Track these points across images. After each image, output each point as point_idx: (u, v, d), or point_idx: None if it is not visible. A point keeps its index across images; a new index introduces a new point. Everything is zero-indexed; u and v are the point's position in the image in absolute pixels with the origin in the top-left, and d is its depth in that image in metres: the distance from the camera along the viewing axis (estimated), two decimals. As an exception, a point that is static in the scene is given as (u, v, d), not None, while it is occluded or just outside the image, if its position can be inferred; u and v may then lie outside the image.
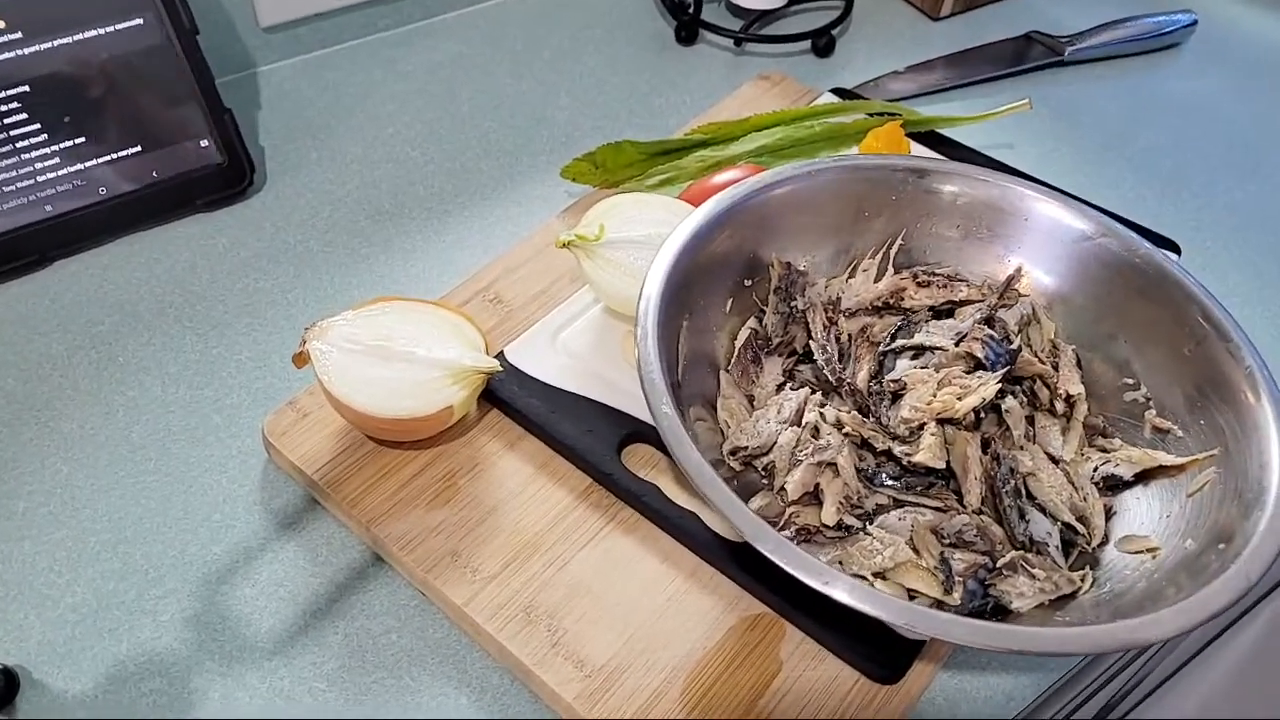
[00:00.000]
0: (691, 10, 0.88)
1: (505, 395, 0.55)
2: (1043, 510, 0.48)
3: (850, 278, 0.58)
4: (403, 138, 0.77)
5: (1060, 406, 0.52)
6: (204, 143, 0.68)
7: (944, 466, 0.48)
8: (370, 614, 0.50)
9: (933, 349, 0.53)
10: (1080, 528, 0.48)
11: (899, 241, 0.58)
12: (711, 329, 0.54)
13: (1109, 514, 0.50)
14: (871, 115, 0.75)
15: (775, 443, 0.50)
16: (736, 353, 0.54)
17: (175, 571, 0.51)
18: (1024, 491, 0.48)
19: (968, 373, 0.50)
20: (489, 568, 0.49)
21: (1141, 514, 0.49)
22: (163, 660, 0.47)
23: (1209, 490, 0.47)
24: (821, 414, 0.50)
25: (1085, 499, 0.49)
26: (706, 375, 0.53)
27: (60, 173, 0.64)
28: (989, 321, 0.55)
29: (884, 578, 0.46)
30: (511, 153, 0.77)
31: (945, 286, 0.57)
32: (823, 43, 0.88)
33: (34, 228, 0.63)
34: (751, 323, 0.55)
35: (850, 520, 0.48)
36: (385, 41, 0.87)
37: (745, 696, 0.46)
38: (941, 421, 0.49)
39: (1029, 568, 0.45)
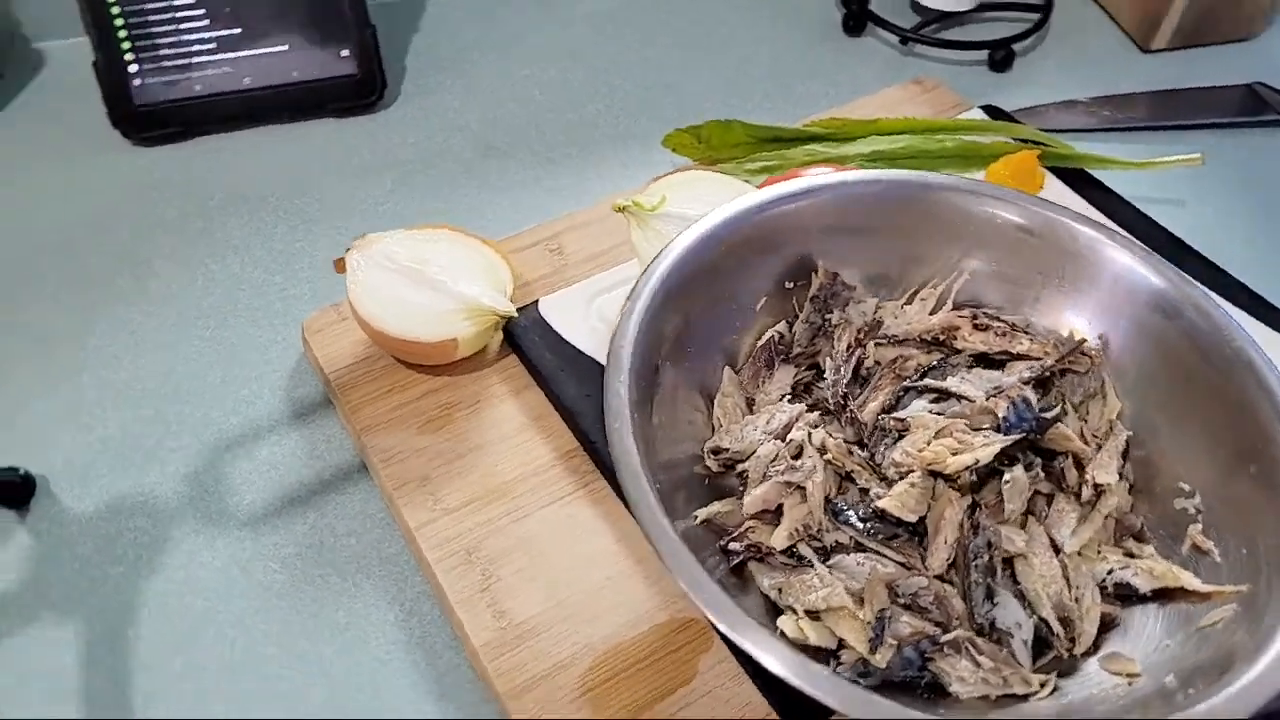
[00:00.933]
0: (858, 5, 0.83)
1: (524, 343, 0.56)
2: (1022, 598, 0.43)
3: (906, 304, 0.54)
4: (535, 81, 0.79)
5: (1086, 493, 0.46)
6: (344, 53, 0.72)
7: (914, 520, 0.44)
8: (340, 515, 0.52)
9: (959, 397, 0.48)
10: (1058, 628, 0.43)
11: (964, 276, 0.53)
12: (735, 323, 0.52)
13: (1110, 624, 0.44)
14: (1016, 140, 0.69)
15: (754, 452, 0.47)
16: (753, 352, 0.52)
17: (193, 431, 0.55)
18: (999, 572, 0.43)
19: (975, 429, 0.45)
20: (451, 501, 0.50)
21: (1143, 633, 0.43)
22: (154, 505, 0.52)
23: (1221, 628, 0.41)
24: (809, 434, 0.47)
25: (1077, 599, 0.43)
26: (717, 368, 0.51)
27: (214, 57, 0.70)
28: (1043, 384, 0.50)
29: (817, 618, 0.43)
30: (632, 114, 0.76)
31: (1004, 335, 0.51)
32: (1000, 56, 0.81)
33: (182, 103, 0.70)
34: (781, 326, 0.53)
35: (805, 551, 0.45)
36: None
37: (645, 696, 0.44)
38: (934, 474, 0.45)
39: (975, 653, 0.41)
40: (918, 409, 0.48)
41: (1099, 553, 0.45)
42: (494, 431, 0.54)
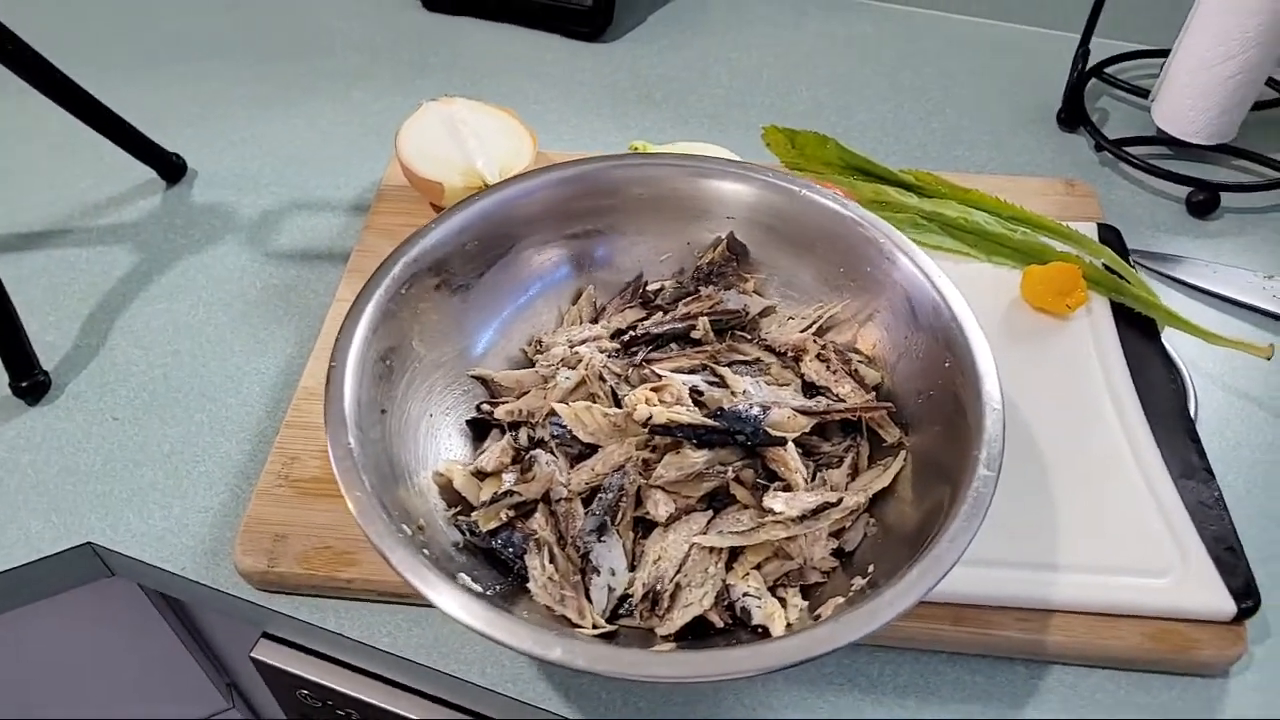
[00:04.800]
0: (1075, 99, 0.78)
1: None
2: (628, 554, 0.45)
3: (791, 318, 0.55)
4: (742, 64, 0.87)
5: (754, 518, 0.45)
6: (585, -16, 0.86)
7: (585, 441, 0.47)
8: (319, 273, 0.67)
9: (726, 386, 0.49)
10: (638, 595, 0.44)
11: (869, 322, 0.53)
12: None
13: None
14: (1095, 264, 0.62)
15: (552, 348, 0.54)
16: (627, 286, 0.57)
17: (313, 171, 0.74)
18: (620, 516, 0.45)
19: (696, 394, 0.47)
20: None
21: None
22: (257, 199, 0.72)
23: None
24: (588, 352, 0.52)
25: (677, 586, 0.44)
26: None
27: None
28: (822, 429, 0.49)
29: (480, 475, 0.49)
30: (789, 120, 0.81)
31: (835, 373, 0.51)
32: (1200, 199, 0.71)
33: (461, -15, 0.90)
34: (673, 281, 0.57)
35: (522, 433, 0.50)
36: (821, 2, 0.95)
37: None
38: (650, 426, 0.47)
39: (547, 559, 0.44)
40: (685, 378, 0.50)
41: (748, 574, 0.45)
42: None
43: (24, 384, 0.59)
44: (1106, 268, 0.62)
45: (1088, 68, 0.80)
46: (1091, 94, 0.83)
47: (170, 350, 0.63)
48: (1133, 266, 0.63)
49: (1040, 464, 0.53)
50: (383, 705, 0.56)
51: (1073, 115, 0.79)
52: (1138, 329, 0.60)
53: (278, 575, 0.50)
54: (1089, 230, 0.66)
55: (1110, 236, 0.66)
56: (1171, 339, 0.60)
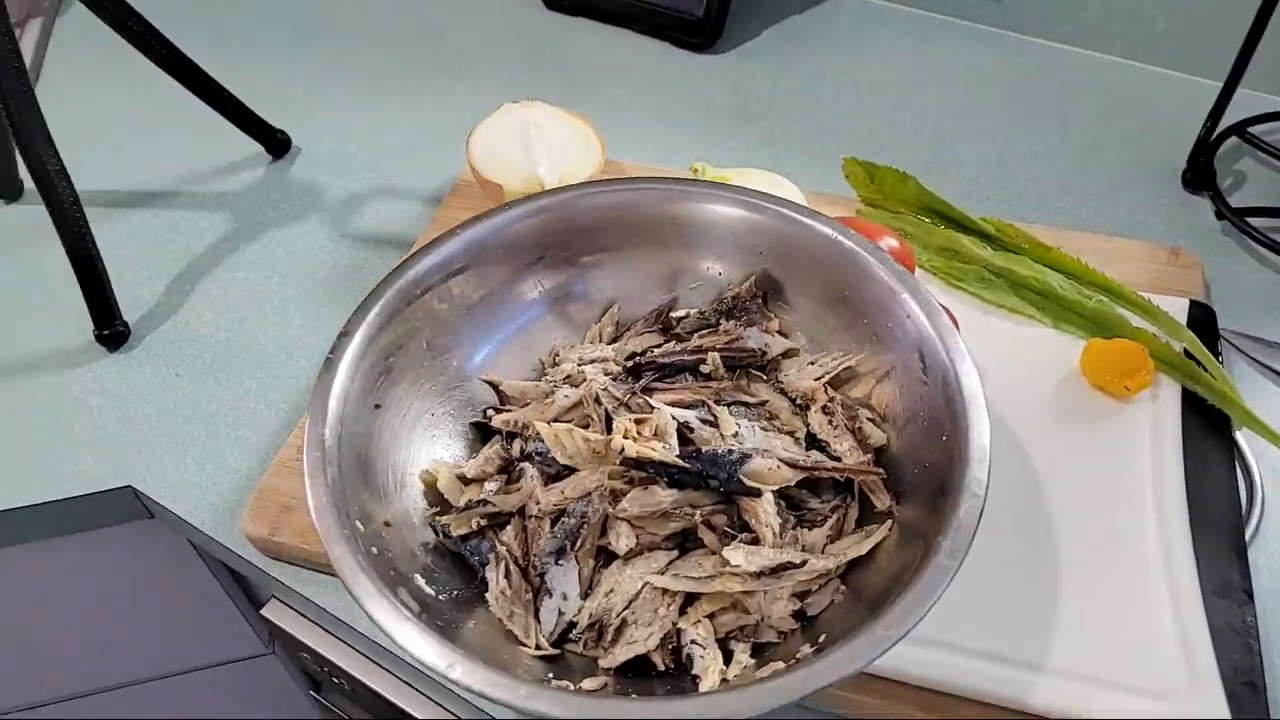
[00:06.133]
0: (1204, 158, 0.71)
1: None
2: (584, 582, 0.45)
3: (812, 364, 0.53)
4: (845, 88, 0.84)
5: (716, 564, 0.44)
6: (699, -5, 0.86)
7: (563, 462, 0.47)
8: (382, 257, 0.70)
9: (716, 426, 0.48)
10: (584, 624, 0.44)
11: (886, 379, 0.50)
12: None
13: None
14: (1173, 345, 0.57)
15: (562, 364, 0.54)
16: (651, 313, 0.57)
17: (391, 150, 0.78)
18: (581, 542, 0.45)
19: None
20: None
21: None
22: (345, 178, 0.76)
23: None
24: (592, 373, 0.52)
25: (623, 621, 0.43)
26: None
27: (613, -37, 0.89)
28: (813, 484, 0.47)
29: (464, 480, 0.50)
30: (885, 152, 0.77)
31: (837, 429, 0.49)
32: (1328, 282, 0.64)
33: (578, -12, 0.91)
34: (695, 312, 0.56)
35: (515, 444, 0.51)
36: (942, 25, 0.90)
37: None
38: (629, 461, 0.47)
39: (504, 573, 0.45)
40: (678, 413, 0.49)
41: (699, 622, 0.44)
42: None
43: (105, 332, 0.64)
44: (1186, 352, 0.56)
45: (1229, 124, 0.73)
46: (1232, 155, 0.75)
47: (238, 317, 0.67)
48: (1219, 352, 0.57)
49: (1056, 554, 0.49)
50: (368, 682, 0.58)
51: (1199, 175, 0.72)
52: (1209, 423, 0.54)
53: (277, 545, 0.53)
54: (1178, 307, 0.60)
55: (1201, 315, 0.59)
56: (1254, 441, 0.54)
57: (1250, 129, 0.74)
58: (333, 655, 0.59)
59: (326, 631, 0.59)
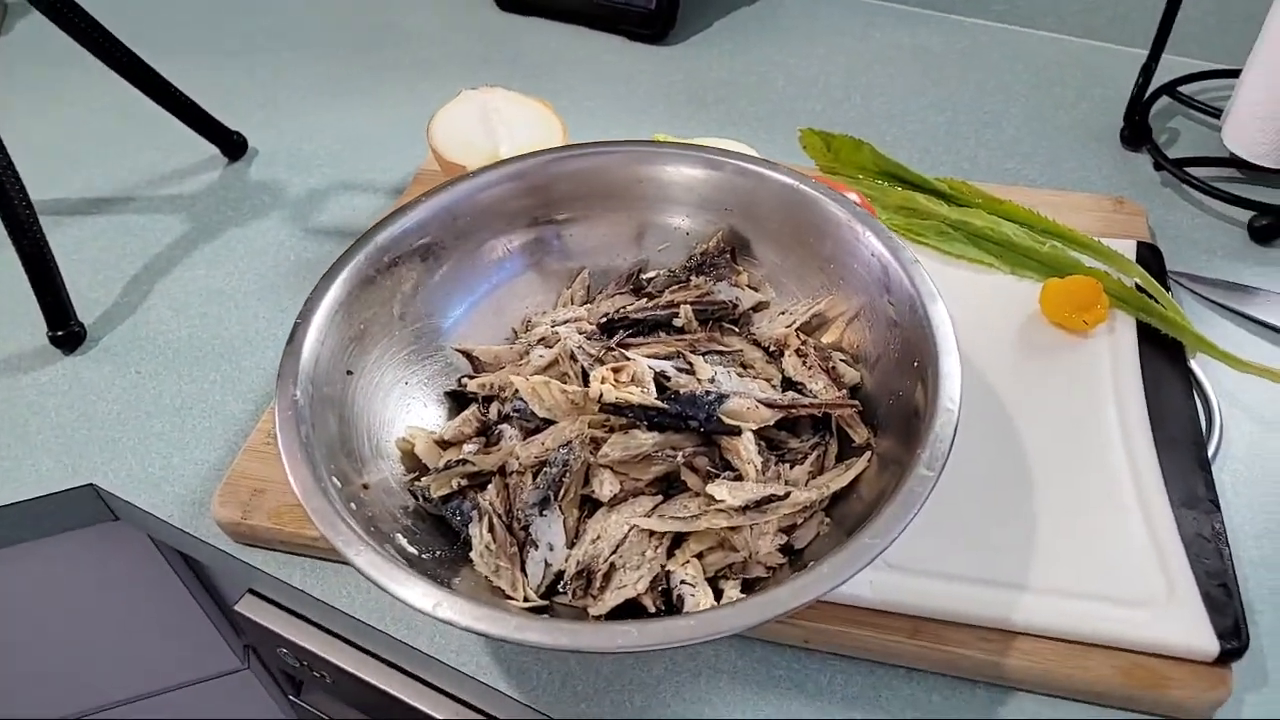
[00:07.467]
0: (1139, 117, 0.73)
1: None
2: (569, 532, 0.45)
3: (783, 313, 0.54)
4: (794, 73, 0.85)
5: (701, 505, 0.44)
6: (648, -12, 0.87)
7: (542, 415, 0.47)
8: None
9: (691, 373, 0.48)
10: (571, 572, 0.43)
11: (855, 317, 0.51)
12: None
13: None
14: (1125, 281, 0.59)
15: (537, 326, 0.54)
16: (623, 274, 0.57)
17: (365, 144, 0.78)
18: (565, 492, 0.45)
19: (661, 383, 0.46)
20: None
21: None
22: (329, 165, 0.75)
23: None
24: (566, 331, 0.52)
25: (612, 566, 0.43)
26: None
27: (559, -38, 0.91)
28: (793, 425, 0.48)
29: (443, 445, 0.49)
30: (838, 128, 0.79)
31: (811, 369, 0.49)
32: (1263, 224, 0.66)
33: (526, -13, 0.92)
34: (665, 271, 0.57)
35: (493, 406, 0.51)
36: (883, 9, 0.93)
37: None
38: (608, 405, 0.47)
39: (488, 528, 0.44)
40: (654, 362, 0.49)
41: (688, 562, 0.44)
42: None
43: (59, 333, 0.63)
44: (1138, 287, 0.58)
45: (1160, 85, 0.75)
46: (1166, 114, 0.78)
47: (200, 313, 0.66)
48: (1168, 288, 0.59)
49: (1031, 480, 0.50)
50: (352, 670, 0.57)
51: (1135, 133, 0.74)
52: (1164, 352, 0.56)
53: (249, 528, 0.52)
54: (1127, 248, 0.62)
55: (1148, 255, 0.61)
56: (1209, 368, 0.56)
57: (1180, 88, 0.77)
58: (313, 645, 0.57)
59: (305, 620, 0.58)
